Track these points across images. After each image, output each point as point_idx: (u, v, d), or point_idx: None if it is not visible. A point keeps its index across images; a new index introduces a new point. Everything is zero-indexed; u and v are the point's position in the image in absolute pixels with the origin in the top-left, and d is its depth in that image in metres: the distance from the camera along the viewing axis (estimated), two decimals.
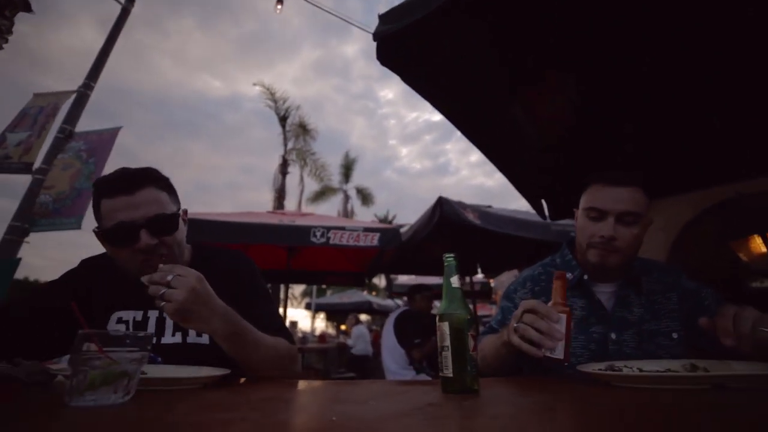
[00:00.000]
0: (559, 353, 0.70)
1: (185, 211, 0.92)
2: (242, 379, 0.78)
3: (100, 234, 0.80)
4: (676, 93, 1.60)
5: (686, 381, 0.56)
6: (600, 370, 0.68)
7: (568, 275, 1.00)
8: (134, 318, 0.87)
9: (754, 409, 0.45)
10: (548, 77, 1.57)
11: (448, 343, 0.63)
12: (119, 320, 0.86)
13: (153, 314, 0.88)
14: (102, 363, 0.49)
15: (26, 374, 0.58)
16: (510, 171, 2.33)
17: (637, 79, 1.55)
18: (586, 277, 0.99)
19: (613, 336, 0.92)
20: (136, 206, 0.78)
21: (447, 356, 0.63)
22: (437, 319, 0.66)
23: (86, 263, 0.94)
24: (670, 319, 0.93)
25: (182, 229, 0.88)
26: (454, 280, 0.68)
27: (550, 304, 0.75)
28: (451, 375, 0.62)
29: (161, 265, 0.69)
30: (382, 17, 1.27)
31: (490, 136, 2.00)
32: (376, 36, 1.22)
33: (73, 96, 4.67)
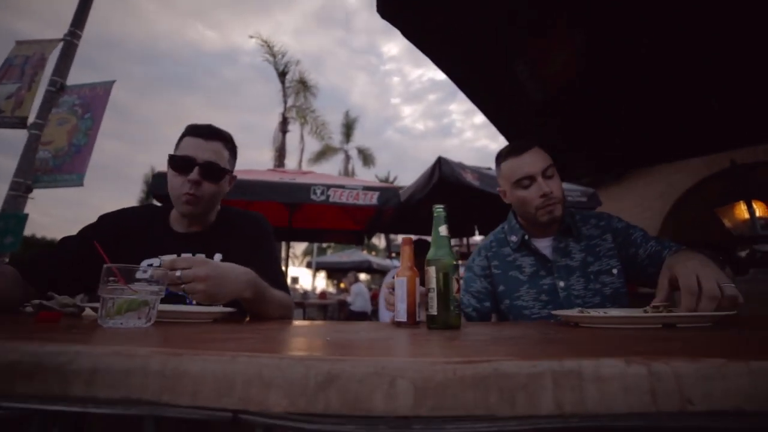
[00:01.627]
0: (402, 316, 0.73)
1: (233, 177, 1.09)
2: (247, 318, 0.88)
3: (171, 158, 0.98)
4: (673, 73, 1.58)
5: (643, 321, 0.63)
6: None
7: (513, 237, 1.11)
8: None
9: (692, 336, 0.52)
10: (553, 35, 1.52)
11: (434, 285, 0.70)
12: (149, 266, 0.94)
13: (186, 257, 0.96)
14: (125, 293, 0.55)
15: (60, 306, 0.65)
16: (511, 133, 2.31)
17: (637, 49, 1.51)
18: (527, 237, 1.08)
19: (561, 284, 1.02)
20: (204, 150, 0.97)
21: (433, 297, 0.70)
22: (425, 264, 0.72)
23: (105, 218, 1.00)
24: (608, 257, 1.04)
25: (222, 187, 1.03)
26: (443, 229, 0.73)
27: (400, 267, 0.79)
28: (436, 313, 0.69)
29: (163, 262, 0.74)
30: None
31: (492, 97, 1.97)
32: None
33: (60, 45, 4.48)
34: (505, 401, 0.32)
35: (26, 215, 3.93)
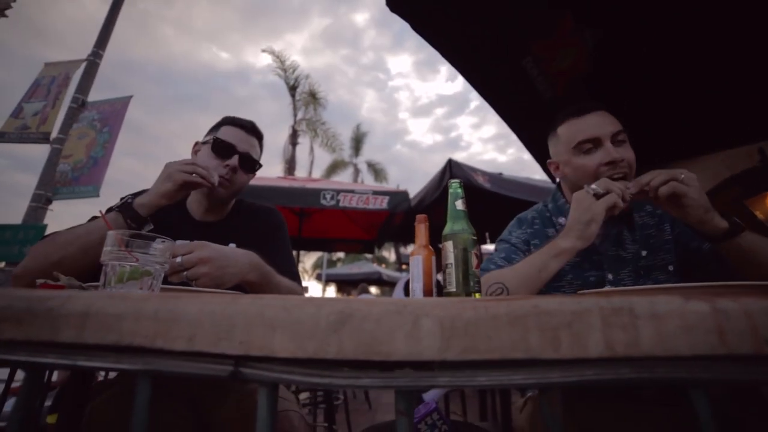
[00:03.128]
0: (418, 296, 0.68)
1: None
2: None
3: (215, 140, 1.00)
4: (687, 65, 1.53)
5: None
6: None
7: (562, 219, 0.95)
8: None
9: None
10: (563, 29, 1.50)
11: (452, 260, 0.66)
12: (156, 238, 0.92)
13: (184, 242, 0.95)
14: (127, 260, 0.53)
15: (66, 284, 0.63)
16: (525, 134, 2.27)
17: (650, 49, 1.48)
18: None
19: (610, 277, 0.88)
20: (244, 141, 1.03)
21: (451, 273, 0.65)
22: (441, 239, 0.68)
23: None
24: (665, 251, 0.88)
25: (247, 180, 1.07)
26: (459, 203, 0.70)
27: (414, 246, 0.72)
28: (454, 290, 0.65)
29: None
30: None
31: (505, 94, 1.94)
32: None
33: (83, 65, 4.69)
34: (548, 342, 0.27)
35: (45, 226, 4.01)
